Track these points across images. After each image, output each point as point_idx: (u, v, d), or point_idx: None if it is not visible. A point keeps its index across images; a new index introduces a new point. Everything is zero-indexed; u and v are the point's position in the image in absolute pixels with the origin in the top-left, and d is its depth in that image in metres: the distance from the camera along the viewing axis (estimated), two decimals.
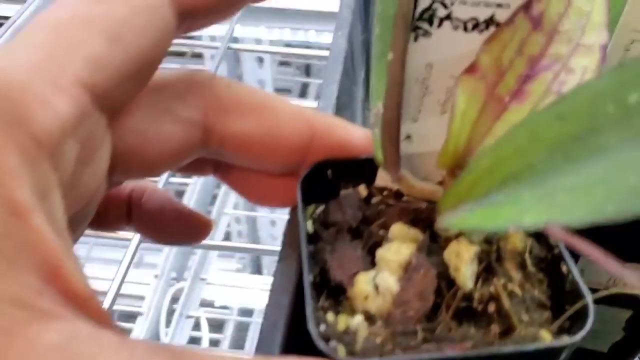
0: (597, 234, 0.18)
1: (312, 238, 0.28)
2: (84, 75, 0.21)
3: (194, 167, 0.29)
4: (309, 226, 0.28)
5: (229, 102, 0.26)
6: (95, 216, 0.29)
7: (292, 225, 0.28)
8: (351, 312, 0.25)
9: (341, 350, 0.22)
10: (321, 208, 0.29)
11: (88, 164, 0.22)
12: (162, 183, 0.58)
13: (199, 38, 0.87)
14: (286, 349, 0.25)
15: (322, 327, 0.23)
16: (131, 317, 0.80)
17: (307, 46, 0.94)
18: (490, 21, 0.24)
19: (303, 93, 1.28)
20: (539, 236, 0.25)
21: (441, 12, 0.23)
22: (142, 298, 0.79)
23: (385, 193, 0.29)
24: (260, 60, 0.95)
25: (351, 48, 0.43)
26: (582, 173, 0.18)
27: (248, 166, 0.29)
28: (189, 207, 0.33)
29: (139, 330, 0.77)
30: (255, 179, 0.29)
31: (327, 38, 0.90)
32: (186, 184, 0.96)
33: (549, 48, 0.24)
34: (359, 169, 0.29)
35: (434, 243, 0.26)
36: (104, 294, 0.47)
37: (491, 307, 0.24)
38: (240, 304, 0.87)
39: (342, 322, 0.24)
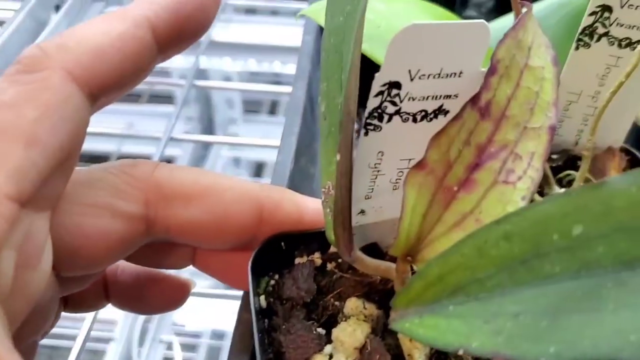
0: None
1: (266, 312, 0.28)
2: (8, 188, 0.20)
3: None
4: (262, 301, 0.28)
5: (172, 191, 0.26)
6: (72, 299, 0.28)
7: (246, 307, 0.28)
8: None
9: None
10: (276, 278, 0.29)
11: (30, 266, 0.22)
12: None
13: (165, 73, 0.86)
14: None
15: None
16: (104, 341, 0.79)
17: (275, 74, 0.93)
18: (438, 110, 0.24)
19: (272, 110, 1.26)
20: None
21: (391, 109, 0.23)
22: (114, 322, 0.78)
23: (340, 260, 0.29)
24: (227, 79, 0.93)
25: (310, 91, 0.42)
26: (526, 300, 0.18)
27: (197, 246, 0.29)
28: (164, 272, 0.32)
29: (113, 354, 0.76)
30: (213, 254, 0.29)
31: (292, 69, 0.88)
32: None
33: (497, 134, 0.24)
34: (313, 238, 0.29)
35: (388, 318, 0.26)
36: (81, 320, 0.46)
37: None
38: (212, 327, 0.86)
39: None
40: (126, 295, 0.31)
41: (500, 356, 0.18)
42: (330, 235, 0.26)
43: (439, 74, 0.22)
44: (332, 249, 0.30)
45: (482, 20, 0.22)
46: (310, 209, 0.28)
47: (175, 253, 0.29)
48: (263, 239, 0.28)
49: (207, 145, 1.00)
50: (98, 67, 0.23)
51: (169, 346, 0.81)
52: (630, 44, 0.35)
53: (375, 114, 0.22)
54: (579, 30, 0.35)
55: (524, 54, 0.25)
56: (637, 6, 0.34)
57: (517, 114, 0.24)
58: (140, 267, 0.31)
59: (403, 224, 0.23)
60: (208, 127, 1.03)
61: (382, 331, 0.26)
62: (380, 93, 0.22)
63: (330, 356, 0.26)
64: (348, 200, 0.24)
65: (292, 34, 0.79)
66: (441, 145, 0.23)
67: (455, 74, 0.22)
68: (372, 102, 0.22)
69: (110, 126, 0.96)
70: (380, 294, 0.28)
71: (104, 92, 0.24)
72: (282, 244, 0.29)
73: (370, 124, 0.23)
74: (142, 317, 0.77)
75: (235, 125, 1.05)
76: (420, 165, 0.23)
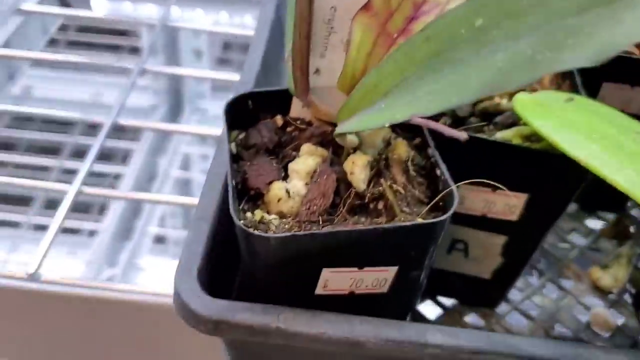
0: None
1: (235, 158, 0.32)
2: None
3: None
4: (233, 148, 0.33)
5: None
6: None
7: (220, 147, 0.33)
8: (267, 213, 0.30)
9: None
10: (243, 134, 0.34)
11: None
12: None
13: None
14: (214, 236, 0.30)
15: (242, 222, 0.28)
16: None
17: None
18: None
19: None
20: (420, 148, 0.31)
21: None
22: None
23: (298, 122, 0.34)
24: (197, 35, 0.97)
25: (279, 15, 0.47)
26: (440, 81, 0.24)
27: None
28: None
29: None
30: None
31: None
32: None
33: None
34: (276, 101, 0.34)
35: (337, 157, 0.31)
36: None
37: (380, 205, 0.29)
38: None
39: (259, 215, 0.29)
40: None
41: (416, 116, 0.23)
42: (291, 85, 0.31)
43: None
44: (292, 114, 0.34)
45: None
46: None
47: None
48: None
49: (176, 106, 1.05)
50: None
51: None
52: None
53: None
54: None
55: None
56: None
57: None
58: None
59: (350, 58, 0.28)
60: (176, 101, 1.07)
61: (330, 163, 0.31)
62: None
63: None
64: (306, 45, 0.29)
65: None
66: None
67: None
68: None
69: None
70: (331, 142, 0.33)
71: None
72: (250, 102, 0.33)
73: None
74: None
75: (205, 99, 1.09)
76: (366, 7, 0.28)
